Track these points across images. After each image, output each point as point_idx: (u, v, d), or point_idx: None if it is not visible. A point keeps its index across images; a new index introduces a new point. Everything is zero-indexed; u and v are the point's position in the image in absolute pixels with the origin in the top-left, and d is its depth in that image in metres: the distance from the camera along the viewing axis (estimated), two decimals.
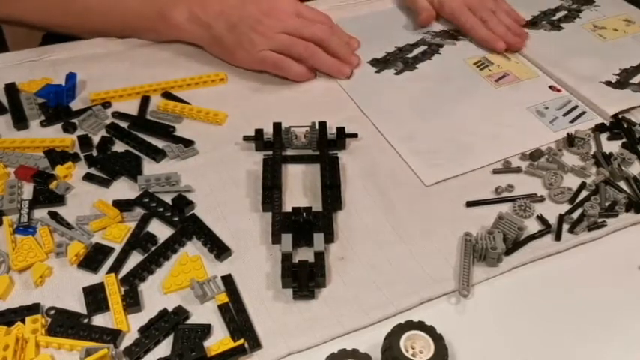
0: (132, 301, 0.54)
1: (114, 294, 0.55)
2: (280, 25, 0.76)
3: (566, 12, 0.94)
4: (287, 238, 0.58)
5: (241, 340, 0.51)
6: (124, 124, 0.73)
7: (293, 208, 0.60)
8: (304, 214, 0.59)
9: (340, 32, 0.83)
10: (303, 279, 0.55)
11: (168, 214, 0.62)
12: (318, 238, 0.58)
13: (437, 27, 0.91)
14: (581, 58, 0.84)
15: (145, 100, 0.76)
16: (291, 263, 0.56)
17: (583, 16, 0.93)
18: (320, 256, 0.57)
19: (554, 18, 0.92)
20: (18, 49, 0.85)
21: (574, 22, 0.92)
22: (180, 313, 0.53)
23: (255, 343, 0.51)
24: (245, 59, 0.78)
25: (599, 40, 0.88)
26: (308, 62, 0.78)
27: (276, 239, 0.59)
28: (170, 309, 0.54)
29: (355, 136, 0.71)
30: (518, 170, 0.68)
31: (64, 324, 0.53)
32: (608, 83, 0.79)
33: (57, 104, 0.74)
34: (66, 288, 0.56)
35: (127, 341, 0.52)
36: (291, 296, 0.55)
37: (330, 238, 0.60)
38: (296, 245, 0.59)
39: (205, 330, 0.53)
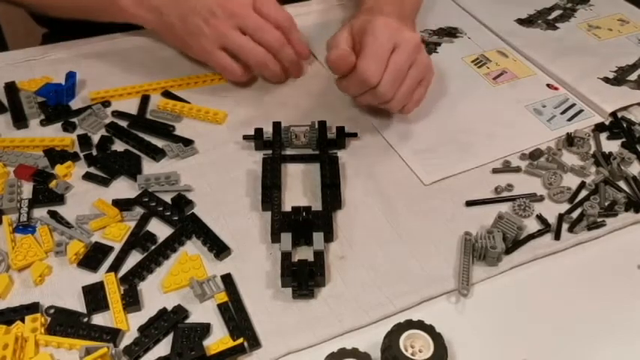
0: (131, 301, 0.54)
1: (113, 293, 0.55)
2: (234, 21, 0.72)
3: (561, 11, 0.94)
4: (287, 238, 0.58)
5: (241, 340, 0.51)
6: (123, 123, 0.72)
7: (293, 208, 0.60)
8: (304, 213, 0.59)
9: (294, 39, 0.76)
10: (303, 278, 0.55)
11: (168, 213, 0.62)
12: (318, 237, 0.58)
13: (434, 25, 0.91)
14: (578, 57, 0.84)
15: (145, 99, 0.76)
16: (291, 262, 0.56)
17: (578, 15, 0.93)
18: (319, 255, 0.57)
19: (550, 17, 0.92)
20: (18, 48, 0.85)
21: (569, 21, 0.92)
22: (180, 312, 0.53)
23: (255, 343, 0.52)
24: (196, 52, 0.76)
25: (594, 40, 0.88)
26: (252, 69, 0.76)
27: (275, 238, 0.59)
28: (170, 308, 0.54)
29: (355, 135, 0.71)
30: (517, 169, 0.68)
31: (63, 323, 0.53)
32: (606, 80, 0.79)
33: (56, 103, 0.74)
34: (65, 287, 0.56)
35: (126, 340, 0.52)
36: (291, 295, 0.55)
37: (329, 237, 0.60)
38: (295, 244, 0.59)
39: (205, 329, 0.53)
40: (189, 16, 0.73)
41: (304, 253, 0.58)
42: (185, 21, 0.73)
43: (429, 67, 0.69)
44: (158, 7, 0.74)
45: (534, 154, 0.69)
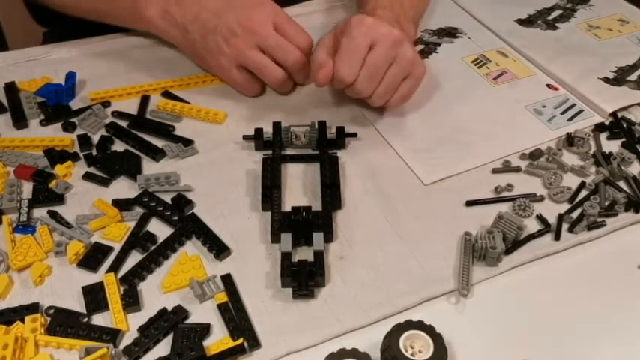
0: (131, 301, 0.54)
1: (113, 293, 0.55)
2: (255, 40, 0.71)
3: (561, 11, 0.94)
4: (286, 238, 0.58)
5: (241, 340, 0.51)
6: (123, 124, 0.72)
7: (292, 208, 0.60)
8: (304, 213, 0.59)
9: (316, 56, 0.70)
10: (303, 278, 0.55)
11: (168, 213, 0.62)
12: (318, 237, 0.58)
13: (434, 25, 0.91)
14: (578, 57, 0.84)
15: (145, 100, 0.76)
16: (291, 262, 0.56)
17: (578, 15, 0.93)
18: (319, 255, 0.57)
19: (550, 17, 0.92)
20: (17, 48, 0.85)
21: (569, 21, 0.92)
22: (180, 312, 0.53)
23: (255, 343, 0.51)
24: (214, 69, 0.77)
25: (594, 40, 0.88)
26: (269, 85, 0.77)
27: (275, 238, 0.59)
28: (169, 308, 0.54)
29: (355, 135, 0.71)
30: (517, 170, 0.68)
31: (63, 323, 0.53)
32: (606, 80, 0.79)
33: (57, 103, 0.74)
34: (65, 287, 0.56)
35: (126, 340, 0.52)
36: (291, 295, 0.55)
37: (329, 237, 0.60)
38: (295, 244, 0.59)
39: (205, 329, 0.53)
40: (211, 34, 0.73)
41: (304, 253, 0.58)
42: (206, 39, 0.74)
43: (413, 61, 0.69)
44: (183, 25, 0.75)
45: (534, 154, 0.69)
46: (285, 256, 0.56)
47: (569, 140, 0.71)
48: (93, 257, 0.58)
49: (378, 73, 0.67)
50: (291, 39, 0.72)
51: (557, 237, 0.60)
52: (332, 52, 0.68)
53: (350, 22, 0.66)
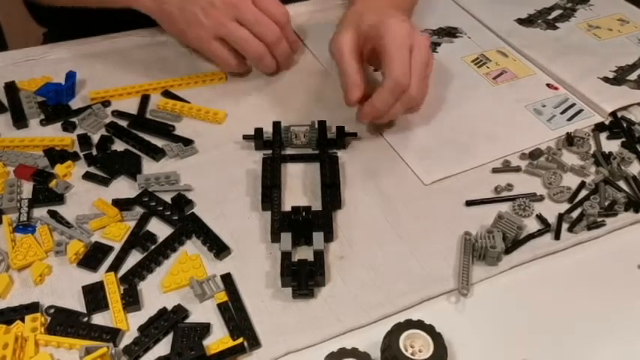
0: (131, 300, 0.54)
1: (113, 293, 0.55)
2: (233, 13, 0.72)
3: (561, 11, 0.94)
4: (286, 237, 0.58)
5: (240, 339, 0.51)
6: (123, 123, 0.72)
7: (292, 207, 0.60)
8: (304, 212, 0.59)
9: (289, 33, 0.78)
10: (303, 278, 0.55)
11: (168, 212, 0.62)
12: (318, 236, 0.58)
13: (434, 25, 0.91)
14: (578, 56, 0.84)
15: (145, 99, 0.76)
16: (291, 262, 0.56)
17: (578, 15, 0.93)
18: (319, 255, 0.57)
19: (550, 17, 0.92)
20: (17, 48, 0.85)
21: (569, 21, 0.92)
22: (180, 311, 0.53)
23: (255, 342, 0.51)
24: (192, 41, 0.77)
25: (594, 40, 0.88)
26: (248, 60, 0.78)
27: (275, 238, 0.59)
28: (169, 308, 0.54)
29: (355, 135, 0.71)
30: (517, 169, 0.68)
31: (63, 323, 0.53)
32: (606, 80, 0.79)
33: (56, 103, 0.74)
34: (65, 287, 0.56)
35: (126, 340, 0.52)
36: (291, 295, 0.55)
37: (329, 237, 0.60)
38: (295, 244, 0.59)
39: (205, 329, 0.53)
40: (188, 5, 0.73)
41: (304, 253, 0.58)
42: (184, 10, 0.74)
43: (431, 62, 0.69)
44: None
45: (534, 154, 0.69)
46: (285, 256, 0.56)
47: (569, 140, 0.71)
48: (93, 257, 0.58)
49: (423, 77, 0.66)
50: (270, 13, 0.73)
51: (557, 237, 0.60)
52: (357, 56, 0.68)
53: (390, 26, 0.65)
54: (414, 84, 0.65)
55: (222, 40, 0.74)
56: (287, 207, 0.62)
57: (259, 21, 0.73)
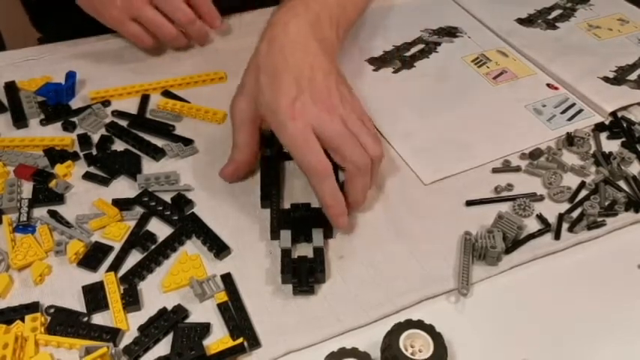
0: (131, 300, 0.54)
1: (113, 293, 0.55)
2: None
3: (561, 11, 0.94)
4: (286, 235, 0.58)
5: (240, 339, 0.51)
6: (123, 123, 0.72)
7: (292, 205, 0.60)
8: (303, 210, 0.59)
9: (206, 11, 0.82)
10: (303, 275, 0.55)
11: (168, 212, 0.62)
12: (317, 233, 0.58)
13: (434, 25, 0.91)
14: (578, 56, 0.84)
15: (145, 99, 0.76)
16: (291, 259, 0.56)
17: (578, 15, 0.93)
18: (319, 251, 0.57)
19: (550, 17, 0.92)
20: (16, 48, 0.85)
21: (569, 21, 0.92)
22: (180, 311, 0.53)
23: (255, 342, 0.51)
24: (108, 21, 0.79)
25: (594, 39, 0.88)
26: (163, 41, 0.81)
27: (275, 236, 0.59)
28: (169, 308, 0.54)
29: None
30: (517, 169, 0.68)
31: (63, 323, 0.53)
32: (606, 79, 0.79)
33: (56, 103, 0.74)
34: (65, 287, 0.56)
35: (126, 340, 0.52)
36: (291, 293, 0.55)
37: (329, 234, 0.60)
38: (295, 241, 0.59)
39: (205, 329, 0.53)
40: None
41: (304, 250, 0.58)
42: None
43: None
44: None
45: (534, 154, 0.69)
46: (285, 253, 0.56)
47: (569, 140, 0.71)
48: (93, 257, 0.58)
49: (356, 136, 0.59)
50: None
51: (557, 236, 0.60)
52: (253, 126, 0.62)
53: (284, 132, 0.56)
54: (350, 150, 0.57)
55: (136, 20, 0.77)
56: (286, 205, 0.62)
57: (170, 3, 0.77)
